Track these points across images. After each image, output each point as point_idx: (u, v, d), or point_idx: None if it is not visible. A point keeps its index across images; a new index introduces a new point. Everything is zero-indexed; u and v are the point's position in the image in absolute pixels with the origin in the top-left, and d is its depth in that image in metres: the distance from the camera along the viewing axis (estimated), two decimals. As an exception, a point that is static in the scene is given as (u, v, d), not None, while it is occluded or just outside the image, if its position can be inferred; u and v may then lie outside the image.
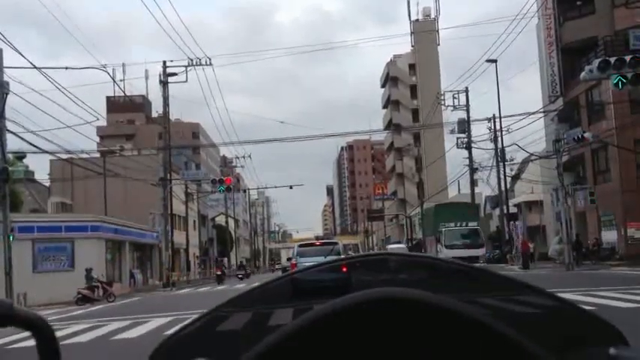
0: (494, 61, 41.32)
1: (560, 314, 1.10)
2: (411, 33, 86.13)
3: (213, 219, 66.05)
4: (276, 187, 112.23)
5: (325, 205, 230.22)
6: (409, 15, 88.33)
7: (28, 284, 25.86)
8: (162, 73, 39.95)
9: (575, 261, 30.12)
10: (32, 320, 0.71)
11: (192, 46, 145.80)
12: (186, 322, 1.14)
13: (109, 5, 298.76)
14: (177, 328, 1.14)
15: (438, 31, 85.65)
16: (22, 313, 0.70)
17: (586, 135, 29.23)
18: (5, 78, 23.02)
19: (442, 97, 46.85)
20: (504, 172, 42.59)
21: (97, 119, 32.79)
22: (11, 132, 23.89)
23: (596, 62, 20.01)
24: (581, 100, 36.58)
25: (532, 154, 40.00)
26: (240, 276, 47.34)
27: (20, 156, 40.36)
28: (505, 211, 42.64)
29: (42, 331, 0.71)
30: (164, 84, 39.99)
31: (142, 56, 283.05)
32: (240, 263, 59.26)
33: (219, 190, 43.17)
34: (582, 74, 21.33)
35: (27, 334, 0.83)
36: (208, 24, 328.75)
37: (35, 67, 26.37)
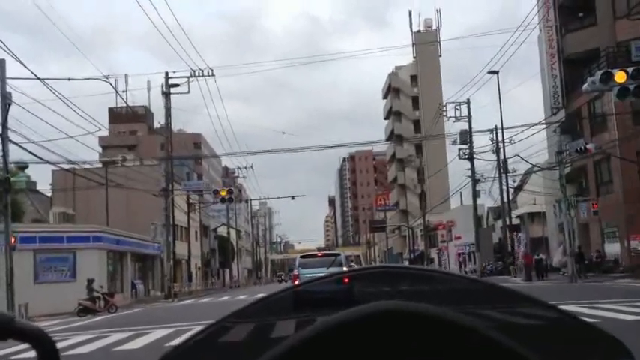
0: (496, 72, 41.42)
1: (563, 327, 1.09)
2: (413, 44, 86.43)
3: (215, 230, 66.00)
4: (278, 197, 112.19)
5: (327, 216, 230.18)
6: (411, 26, 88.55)
7: (29, 295, 25.78)
8: (164, 84, 40.08)
9: (578, 273, 30.04)
10: (33, 333, 0.71)
11: (181, 50, 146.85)
12: (190, 334, 1.13)
13: (96, 11, 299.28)
14: (181, 339, 1.13)
15: (439, 42, 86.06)
16: (23, 325, 0.71)
17: (588, 146, 29.24)
18: (8, 89, 23.09)
19: (444, 109, 46.92)
20: (507, 184, 42.61)
21: (100, 130, 32.87)
22: (13, 142, 23.92)
23: (598, 74, 20.04)
24: (583, 112, 36.60)
25: (534, 166, 40.00)
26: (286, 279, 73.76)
27: (22, 166, 40.37)
28: (507, 222, 42.58)
29: (43, 344, 0.71)
30: (166, 95, 40.10)
31: (135, 63, 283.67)
32: (282, 274, 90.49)
33: (220, 201, 43.20)
34: (584, 86, 21.34)
35: (28, 345, 0.82)
36: (199, 30, 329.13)
37: (38, 78, 26.49)
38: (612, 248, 34.46)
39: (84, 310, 25.57)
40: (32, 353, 0.83)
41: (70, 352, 11.66)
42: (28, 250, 29.52)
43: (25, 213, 40.66)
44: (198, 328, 1.14)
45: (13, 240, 22.88)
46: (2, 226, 22.62)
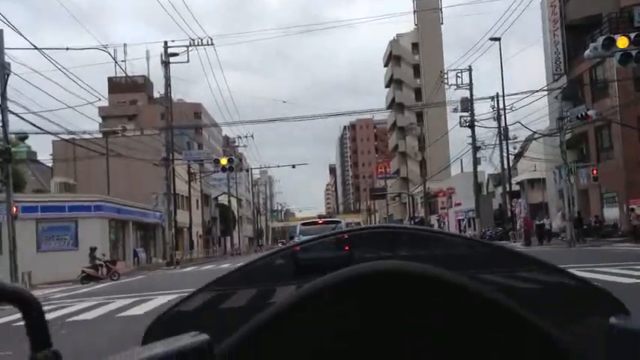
0: (498, 39, 41.06)
1: (563, 287, 1.10)
2: (414, 11, 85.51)
3: (216, 198, 66.16)
4: (278, 166, 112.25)
5: (328, 184, 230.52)
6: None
7: (32, 263, 25.96)
8: (163, 53, 39.78)
9: (576, 238, 30.19)
10: (19, 295, 0.71)
11: (180, 20, 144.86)
12: (180, 299, 1.14)
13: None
14: (172, 304, 1.14)
15: (441, 9, 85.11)
16: (8, 287, 0.70)
17: (590, 113, 29.10)
18: (6, 59, 22.91)
19: (445, 76, 46.62)
20: (507, 151, 42.54)
21: (99, 100, 32.79)
22: (13, 113, 23.85)
23: (600, 40, 19.86)
24: (585, 78, 36.38)
25: (535, 132, 39.90)
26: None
27: (22, 137, 40.25)
28: (508, 189, 42.64)
29: (27, 304, 0.71)
30: (166, 64, 39.83)
31: (133, 33, 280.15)
32: (284, 241, 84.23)
33: (221, 170, 43.25)
34: (586, 52, 21.15)
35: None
36: (197, 1, 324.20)
37: (36, 48, 26.31)
38: (611, 213, 34.57)
39: (87, 278, 25.78)
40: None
41: (75, 318, 11.80)
42: (30, 219, 29.65)
43: (26, 183, 40.70)
44: (189, 292, 1.15)
45: (15, 209, 22.95)
46: (4, 196, 22.67)
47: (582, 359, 0.93)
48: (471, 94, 43.82)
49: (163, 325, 1.10)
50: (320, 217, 33.70)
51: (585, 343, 0.97)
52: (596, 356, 0.92)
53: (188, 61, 39.71)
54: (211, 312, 1.17)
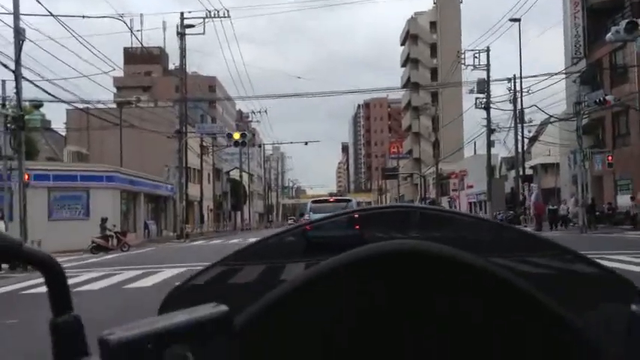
0: (518, 20, 40.49)
1: (581, 272, 1.08)
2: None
3: (227, 173, 66.29)
4: (291, 142, 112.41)
5: (340, 162, 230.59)
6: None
7: (43, 232, 26.06)
8: (179, 24, 39.61)
9: (588, 224, 29.98)
10: (41, 258, 0.73)
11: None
12: (193, 274, 1.13)
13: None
14: (185, 279, 1.14)
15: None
16: (31, 250, 0.73)
17: (608, 98, 28.73)
18: (21, 25, 22.82)
19: (462, 56, 46.14)
20: (522, 134, 42.15)
21: (114, 69, 32.75)
22: (28, 80, 23.81)
23: (622, 23, 19.55)
24: (604, 63, 35.89)
25: (551, 116, 39.49)
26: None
27: (37, 104, 40.36)
28: (521, 172, 42.35)
29: (50, 268, 0.73)
30: (181, 36, 39.67)
31: (150, 2, 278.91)
32: (295, 218, 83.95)
33: (233, 145, 43.27)
34: (608, 35, 20.85)
35: (38, 280, 0.77)
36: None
37: (52, 15, 26.21)
38: (624, 201, 34.25)
39: (97, 248, 25.97)
40: (39, 289, 0.77)
41: (82, 288, 11.83)
42: (42, 187, 29.77)
43: (39, 151, 40.91)
44: (202, 267, 1.14)
45: (26, 177, 23.03)
46: (16, 163, 22.75)
47: (599, 346, 0.91)
48: (488, 76, 43.37)
49: (182, 295, 1.09)
50: (331, 195, 33.87)
51: (604, 329, 0.95)
52: (615, 344, 0.90)
53: (204, 33, 39.57)
54: (228, 286, 1.17)
